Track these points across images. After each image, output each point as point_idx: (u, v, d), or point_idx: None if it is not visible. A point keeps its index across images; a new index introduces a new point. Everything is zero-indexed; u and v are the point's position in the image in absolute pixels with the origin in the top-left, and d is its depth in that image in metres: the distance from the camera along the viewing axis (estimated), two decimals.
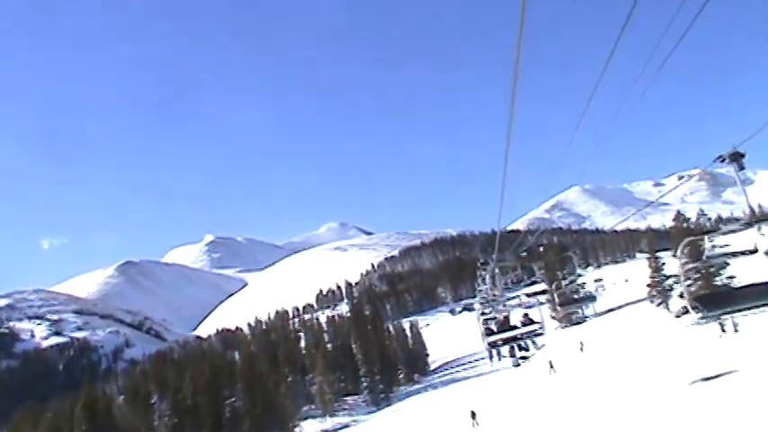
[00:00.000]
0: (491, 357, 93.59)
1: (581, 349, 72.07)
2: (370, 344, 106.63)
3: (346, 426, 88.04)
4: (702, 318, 16.46)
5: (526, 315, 33.73)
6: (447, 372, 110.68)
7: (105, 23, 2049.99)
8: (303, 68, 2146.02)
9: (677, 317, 57.98)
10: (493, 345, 31.63)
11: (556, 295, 62.82)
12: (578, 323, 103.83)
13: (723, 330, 51.83)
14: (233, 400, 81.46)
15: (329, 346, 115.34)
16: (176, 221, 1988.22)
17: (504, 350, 32.39)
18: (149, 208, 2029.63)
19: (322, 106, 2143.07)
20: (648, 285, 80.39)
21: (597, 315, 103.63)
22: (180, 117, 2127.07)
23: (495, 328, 32.02)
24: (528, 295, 46.15)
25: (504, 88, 7.58)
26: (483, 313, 37.91)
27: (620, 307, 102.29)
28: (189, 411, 72.99)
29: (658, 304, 78.21)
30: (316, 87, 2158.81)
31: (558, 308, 68.95)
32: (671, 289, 75.69)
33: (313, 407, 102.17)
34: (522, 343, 30.54)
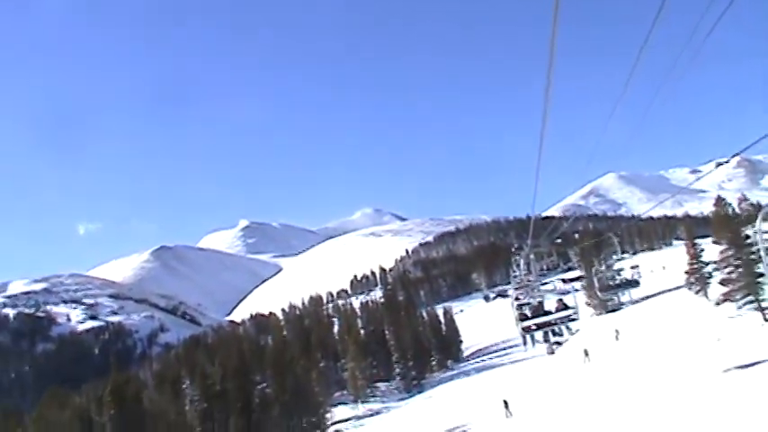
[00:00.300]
0: (525, 343, 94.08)
1: (616, 338, 70.79)
2: (403, 330, 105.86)
3: (378, 413, 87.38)
4: None
5: (560, 301, 33.33)
6: (480, 359, 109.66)
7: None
8: (334, 58, 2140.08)
9: (717, 304, 56.43)
10: (527, 330, 31.42)
11: (596, 280, 61.66)
12: (614, 310, 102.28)
13: (766, 319, 50.41)
14: (263, 385, 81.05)
15: (362, 332, 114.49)
16: (211, 207, 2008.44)
17: (539, 336, 32.26)
18: (185, 194, 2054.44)
19: (355, 94, 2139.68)
20: (687, 272, 78.72)
21: (633, 302, 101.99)
22: (208, 106, 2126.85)
23: (529, 314, 31.58)
24: (564, 281, 45.55)
25: (539, 74, 7.80)
26: (517, 299, 37.55)
27: (656, 294, 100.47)
28: (217, 396, 72.61)
29: (697, 292, 76.54)
30: (349, 76, 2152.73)
31: (599, 293, 67.64)
32: (710, 276, 74.17)
33: (345, 393, 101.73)
34: (556, 329, 30.20)
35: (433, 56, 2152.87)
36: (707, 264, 74.82)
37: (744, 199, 59.39)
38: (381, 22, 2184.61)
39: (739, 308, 51.85)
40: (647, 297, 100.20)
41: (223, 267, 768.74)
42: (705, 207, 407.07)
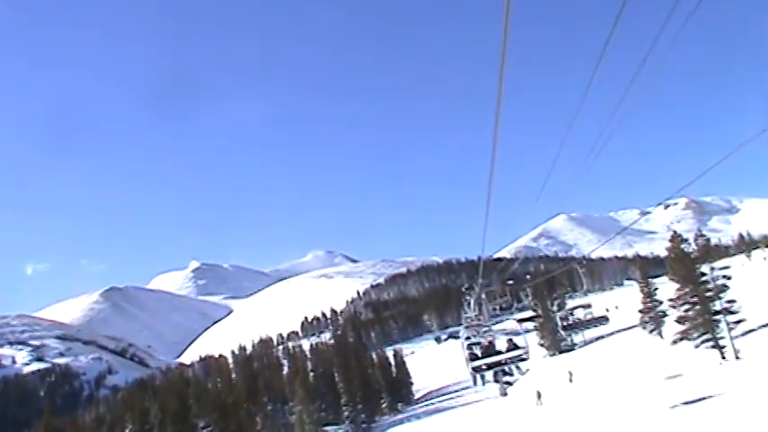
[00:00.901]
0: (475, 383, 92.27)
1: (570, 379, 69.02)
2: (352, 372, 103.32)
3: None
4: None
5: (510, 341, 32.66)
6: (432, 401, 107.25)
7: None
8: (291, 91, 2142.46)
9: (674, 343, 55.03)
10: (477, 370, 30.42)
11: (558, 318, 60.37)
12: (567, 350, 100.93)
13: (723, 357, 49.04)
14: (207, 429, 78.04)
15: (311, 374, 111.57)
16: (161, 248, 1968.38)
17: (489, 375, 31.32)
18: (134, 234, 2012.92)
19: (307, 135, 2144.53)
20: (641, 311, 77.87)
21: (586, 343, 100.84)
22: (161, 140, 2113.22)
23: (479, 354, 30.41)
24: (519, 321, 44.24)
25: (488, 115, 7.55)
26: (468, 338, 36.19)
27: (610, 334, 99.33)
28: None
29: (651, 331, 75.72)
30: (302, 116, 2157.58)
31: (562, 332, 66.49)
32: (664, 315, 73.41)
33: None
34: (506, 368, 29.00)
35: (385, 97, 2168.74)
36: (661, 303, 74.00)
37: (700, 235, 57.75)
38: (325, 64, 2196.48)
39: (696, 346, 50.47)
40: (601, 337, 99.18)
41: (173, 309, 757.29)
42: (655, 248, 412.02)
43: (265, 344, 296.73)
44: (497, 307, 46.12)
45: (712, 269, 51.09)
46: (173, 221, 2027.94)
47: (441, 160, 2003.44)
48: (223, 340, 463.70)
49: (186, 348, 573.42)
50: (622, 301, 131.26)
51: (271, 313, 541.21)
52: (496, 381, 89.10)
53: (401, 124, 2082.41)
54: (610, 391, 52.77)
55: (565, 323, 71.28)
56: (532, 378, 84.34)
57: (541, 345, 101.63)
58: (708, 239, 55.35)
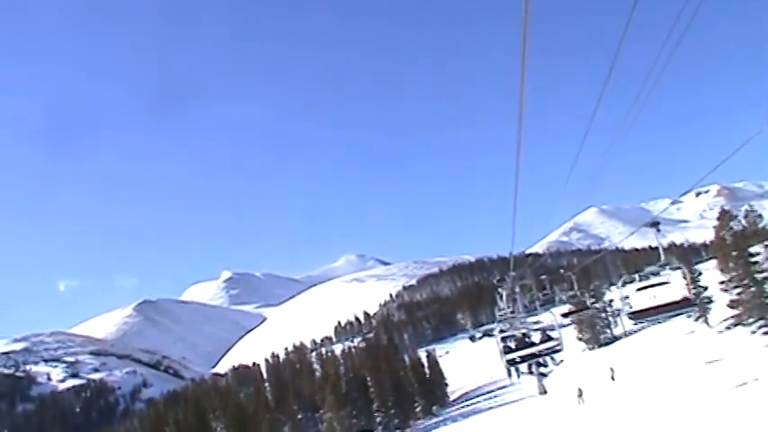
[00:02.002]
0: (510, 375, 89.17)
1: (612, 377, 64.54)
2: (383, 375, 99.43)
3: None
4: None
5: (544, 332, 30.50)
6: (467, 403, 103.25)
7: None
8: (309, 104, 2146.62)
9: (727, 329, 50.56)
10: (512, 362, 28.79)
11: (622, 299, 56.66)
12: (607, 344, 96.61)
13: None
14: None
15: (343, 379, 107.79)
16: (193, 259, 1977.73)
17: (524, 368, 30.14)
18: (166, 246, 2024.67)
19: (335, 139, 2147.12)
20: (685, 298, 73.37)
21: (627, 334, 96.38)
22: (181, 150, 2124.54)
23: (513, 346, 28.29)
24: (564, 315, 42.32)
25: (513, 113, 7.76)
26: (501, 331, 33.69)
27: (651, 324, 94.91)
28: None
29: (697, 318, 71.27)
30: (332, 120, 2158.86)
31: (629, 319, 62.42)
32: (710, 301, 69.17)
33: None
34: (541, 360, 27.55)
35: (410, 98, 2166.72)
36: (706, 288, 69.87)
37: (751, 211, 52.35)
38: (361, 64, 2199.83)
39: (753, 332, 45.84)
40: (642, 328, 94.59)
41: (206, 320, 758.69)
42: (689, 236, 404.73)
43: (298, 350, 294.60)
44: (535, 299, 43.78)
45: (766, 247, 46.45)
46: (203, 232, 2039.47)
47: (470, 158, 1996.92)
48: (257, 349, 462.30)
49: (221, 359, 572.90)
50: (659, 290, 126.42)
51: (304, 319, 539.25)
52: (531, 373, 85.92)
53: (429, 124, 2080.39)
54: (654, 385, 48.59)
55: (630, 310, 66.94)
56: (572, 373, 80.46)
57: (580, 339, 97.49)
58: (760, 215, 50.22)
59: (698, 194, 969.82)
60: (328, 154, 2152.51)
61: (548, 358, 28.73)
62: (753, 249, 46.62)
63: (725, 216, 47.76)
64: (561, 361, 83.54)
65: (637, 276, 21.15)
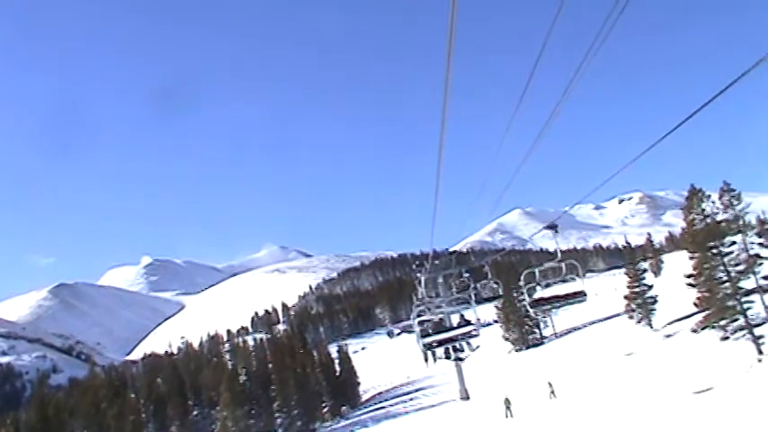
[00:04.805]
0: (426, 359, 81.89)
1: (552, 393, 53.93)
2: (287, 372, 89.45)
3: None
4: None
5: (462, 316, 25.22)
6: (381, 405, 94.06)
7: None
8: (238, 91, 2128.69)
9: (694, 332, 42.32)
10: (428, 346, 22.96)
11: (525, 291, 48.33)
12: (535, 345, 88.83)
13: (760, 352, 36.32)
14: None
15: (243, 374, 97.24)
16: (114, 243, 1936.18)
17: (440, 352, 24.24)
18: (85, 229, 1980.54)
19: (261, 127, 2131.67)
20: (627, 297, 66.10)
21: (557, 336, 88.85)
22: (109, 135, 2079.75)
23: (431, 330, 23.80)
24: (484, 300, 34.95)
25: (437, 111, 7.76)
26: (419, 315, 27.32)
27: (584, 326, 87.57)
28: None
29: (639, 320, 64.00)
30: (259, 112, 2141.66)
31: (530, 309, 54.50)
32: (655, 302, 62.16)
33: None
34: (457, 344, 22.33)
35: (338, 90, 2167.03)
36: (651, 287, 62.99)
37: (727, 190, 43.61)
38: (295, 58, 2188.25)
39: (725, 337, 37.46)
40: (575, 328, 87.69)
41: (124, 305, 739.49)
42: (609, 242, 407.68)
43: (213, 340, 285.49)
44: (453, 285, 36.50)
45: (740, 233, 38.32)
46: (125, 216, 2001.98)
47: (397, 155, 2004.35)
48: (174, 336, 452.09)
49: (137, 345, 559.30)
50: (590, 289, 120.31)
51: (223, 309, 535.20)
52: (447, 357, 78.76)
53: (357, 120, 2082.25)
54: (596, 404, 40.14)
55: (531, 299, 58.76)
56: (497, 378, 72.37)
57: (506, 338, 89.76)
58: (738, 194, 42.07)
59: (621, 201, 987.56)
60: (254, 141, 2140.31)
61: (464, 343, 24.40)
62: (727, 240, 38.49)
63: (694, 194, 39.28)
64: (478, 346, 76.75)
65: (536, 271, 21.80)
